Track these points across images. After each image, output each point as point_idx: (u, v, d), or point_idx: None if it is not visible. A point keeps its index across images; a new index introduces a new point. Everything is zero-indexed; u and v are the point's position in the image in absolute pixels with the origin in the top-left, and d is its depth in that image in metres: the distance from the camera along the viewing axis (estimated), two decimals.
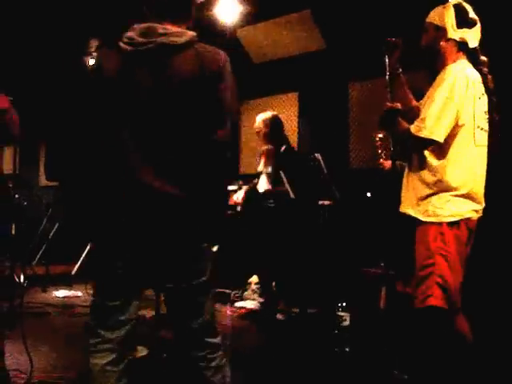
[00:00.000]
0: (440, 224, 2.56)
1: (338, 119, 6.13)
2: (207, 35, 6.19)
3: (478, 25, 2.68)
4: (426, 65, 2.81)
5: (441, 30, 2.67)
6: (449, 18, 2.64)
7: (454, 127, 2.54)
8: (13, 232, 5.27)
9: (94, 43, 7.33)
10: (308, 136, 6.52)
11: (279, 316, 4.83)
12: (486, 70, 2.70)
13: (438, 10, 2.70)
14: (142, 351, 3.64)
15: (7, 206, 2.66)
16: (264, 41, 6.56)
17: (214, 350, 1.97)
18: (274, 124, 5.05)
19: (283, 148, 4.90)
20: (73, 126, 1.94)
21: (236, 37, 6.61)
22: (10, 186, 4.60)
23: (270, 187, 4.90)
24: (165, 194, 1.83)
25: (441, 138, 2.52)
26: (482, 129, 2.63)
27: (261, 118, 5.06)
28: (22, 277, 5.68)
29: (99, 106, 1.89)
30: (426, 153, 2.62)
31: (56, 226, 7.01)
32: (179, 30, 1.90)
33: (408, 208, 2.70)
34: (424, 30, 2.76)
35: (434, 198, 2.58)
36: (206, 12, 6.03)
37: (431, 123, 2.52)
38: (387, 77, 2.91)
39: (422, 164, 2.64)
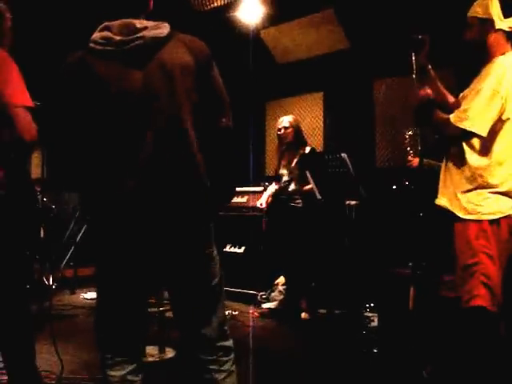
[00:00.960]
0: (480, 221, 2.51)
1: (363, 118, 6.08)
2: (231, 36, 6.22)
3: None
4: (470, 59, 2.73)
5: (487, 22, 2.59)
6: (494, 9, 2.57)
7: (497, 122, 2.49)
8: (41, 235, 5.34)
9: None
10: (334, 136, 6.49)
11: (303, 316, 4.81)
12: None
13: (481, 2, 2.62)
14: (169, 353, 3.66)
15: (35, 209, 2.66)
16: (287, 41, 6.54)
17: (226, 353, 1.93)
18: (299, 126, 5.12)
19: (308, 150, 4.90)
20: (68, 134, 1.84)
21: (260, 38, 6.61)
22: (38, 190, 4.66)
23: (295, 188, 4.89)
24: (171, 191, 1.76)
25: (483, 132, 2.47)
26: None
27: (288, 118, 5.08)
28: (50, 279, 5.74)
29: (91, 110, 1.78)
30: (466, 147, 2.56)
31: (83, 229, 7.07)
32: (156, 22, 1.83)
33: (445, 201, 2.65)
34: (468, 25, 2.67)
35: (471, 194, 2.53)
36: (229, 14, 6.05)
37: (474, 115, 2.47)
38: (414, 75, 2.87)
39: (462, 159, 2.59)
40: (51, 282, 5.71)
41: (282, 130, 5.01)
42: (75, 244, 6.93)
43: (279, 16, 6.17)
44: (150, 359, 3.51)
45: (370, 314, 4.37)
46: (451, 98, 2.88)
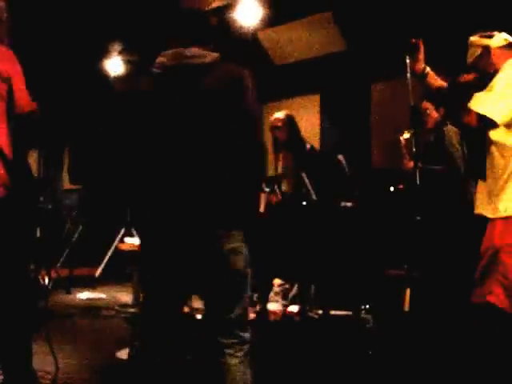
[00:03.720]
0: (507, 219, 2.52)
1: (359, 120, 6.09)
2: (229, 38, 6.23)
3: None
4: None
5: (483, 53, 2.71)
6: (477, 40, 2.73)
7: None
8: (37, 235, 5.34)
9: (115, 47, 7.40)
10: (330, 137, 6.50)
11: (298, 317, 4.81)
12: None
13: (470, 50, 2.77)
14: None
15: (33, 209, 2.68)
16: (285, 43, 6.56)
17: (241, 342, 2.07)
18: (294, 121, 4.81)
19: (308, 147, 4.72)
20: (105, 138, 2.15)
21: (257, 39, 6.62)
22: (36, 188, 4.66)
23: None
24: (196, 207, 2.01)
25: (498, 119, 2.51)
26: None
27: (280, 115, 4.76)
28: (46, 279, 5.74)
29: (133, 122, 2.15)
30: (494, 150, 2.61)
31: (79, 229, 7.08)
32: (203, 51, 2.09)
33: (480, 209, 2.69)
34: (477, 71, 2.77)
35: (504, 194, 2.55)
36: (226, 15, 6.05)
37: (488, 102, 2.53)
38: (408, 77, 2.89)
39: (492, 162, 2.63)
40: (47, 282, 5.72)
41: (276, 131, 4.74)
42: (71, 244, 6.95)
43: (276, 17, 6.18)
44: None
45: (366, 316, 4.38)
46: None
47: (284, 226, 4.88)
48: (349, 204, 4.41)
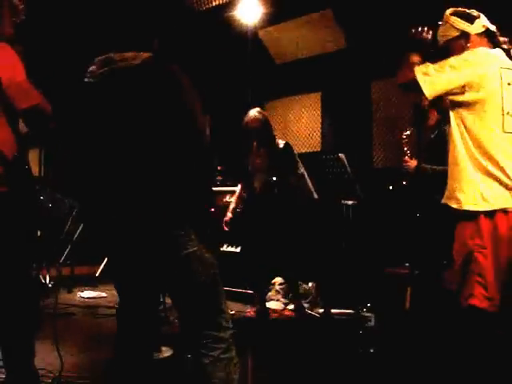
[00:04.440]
0: (476, 219, 2.51)
1: (361, 118, 6.09)
2: (229, 36, 6.21)
3: (479, 13, 2.70)
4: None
5: (460, 37, 2.67)
6: (458, 22, 2.67)
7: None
8: (38, 234, 5.33)
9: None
10: (331, 136, 6.50)
11: (296, 315, 4.81)
12: (509, 45, 2.69)
13: (443, 27, 2.72)
14: (166, 352, 3.66)
15: (36, 208, 2.68)
16: (286, 41, 6.55)
17: (214, 341, 2.08)
18: (268, 120, 4.72)
19: (282, 144, 4.62)
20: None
21: (258, 37, 6.61)
22: (36, 187, 4.66)
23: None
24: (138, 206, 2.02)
25: (427, 93, 2.54)
26: (511, 115, 2.55)
27: (256, 110, 4.66)
28: (47, 278, 5.74)
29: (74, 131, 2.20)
30: (455, 135, 2.60)
31: (80, 228, 7.06)
32: (134, 54, 2.09)
33: (446, 198, 2.68)
34: (447, 50, 2.72)
35: (464, 184, 2.55)
36: (227, 13, 6.05)
37: (430, 74, 2.54)
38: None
39: (453, 148, 2.63)
40: (48, 281, 5.72)
41: (250, 128, 4.59)
42: (72, 242, 6.94)
43: (278, 16, 6.18)
44: None
45: (367, 314, 4.38)
46: None
47: (285, 224, 4.87)
48: (350, 202, 4.41)
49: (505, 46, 2.67)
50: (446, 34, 2.72)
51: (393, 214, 4.84)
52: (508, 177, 2.51)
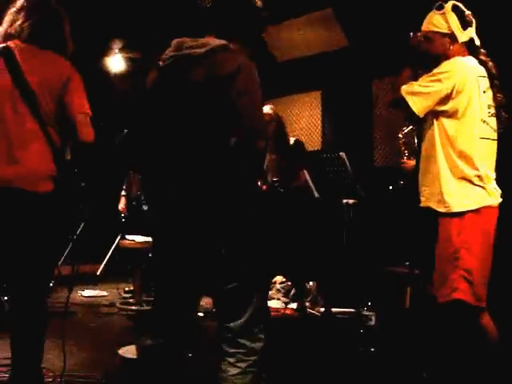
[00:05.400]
0: (462, 216, 2.56)
1: (361, 117, 6.08)
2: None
3: (474, 20, 2.70)
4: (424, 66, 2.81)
5: (448, 36, 2.68)
6: (454, 23, 2.66)
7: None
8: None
9: (116, 44, 7.40)
10: (332, 134, 6.49)
11: (298, 314, 4.82)
12: (486, 58, 2.71)
13: (438, 16, 2.70)
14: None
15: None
16: (287, 40, 6.54)
17: (246, 353, 2.01)
18: (282, 120, 4.73)
19: (293, 141, 4.64)
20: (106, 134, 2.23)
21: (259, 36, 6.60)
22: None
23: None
24: (187, 196, 1.98)
25: (418, 111, 2.61)
26: (486, 122, 2.63)
27: (269, 107, 4.60)
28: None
29: (143, 112, 2.18)
30: (438, 144, 2.65)
31: (82, 226, 7.06)
32: (206, 40, 2.05)
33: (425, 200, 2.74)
34: (427, 39, 2.74)
35: (449, 188, 2.60)
36: None
37: (416, 94, 2.61)
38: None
39: (432, 153, 2.69)
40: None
41: (267, 117, 4.43)
42: (73, 241, 6.93)
43: (278, 15, 6.17)
44: None
45: (368, 313, 4.38)
46: None
47: (285, 223, 4.87)
48: (350, 201, 4.40)
49: (482, 58, 2.71)
50: (436, 24, 2.71)
51: (393, 212, 4.84)
52: (482, 180, 2.58)
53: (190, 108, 1.99)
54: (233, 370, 1.98)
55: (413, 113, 2.63)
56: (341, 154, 4.31)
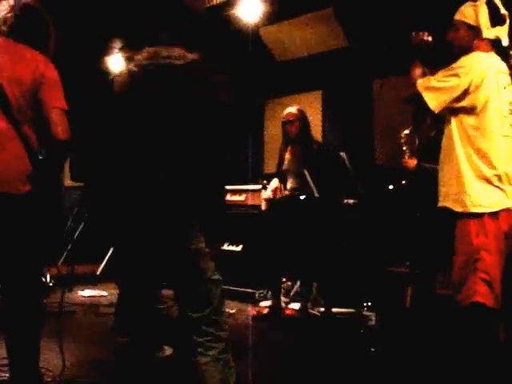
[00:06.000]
0: (480, 217, 2.53)
1: (361, 116, 6.08)
2: (230, 34, 6.20)
3: (508, 20, 2.64)
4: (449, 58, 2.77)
5: (474, 30, 2.64)
6: (483, 18, 2.61)
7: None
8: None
9: (116, 44, 7.39)
10: (332, 134, 6.49)
11: (299, 314, 4.81)
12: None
13: (470, 7, 2.65)
14: (167, 351, 3.65)
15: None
16: (286, 39, 6.54)
17: (214, 340, 2.08)
18: (306, 119, 4.81)
19: (315, 147, 4.74)
20: (98, 132, 2.19)
21: (258, 36, 6.60)
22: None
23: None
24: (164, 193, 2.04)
25: (434, 107, 2.58)
26: (506, 119, 2.58)
27: (293, 110, 4.76)
28: (48, 276, 5.74)
29: (117, 117, 2.18)
30: (457, 142, 2.62)
31: (81, 226, 7.06)
32: (181, 52, 2.12)
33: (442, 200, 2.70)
34: (454, 27, 2.70)
35: (468, 187, 2.57)
36: (228, 11, 6.04)
37: (431, 89, 2.59)
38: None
39: (451, 152, 2.66)
40: (48, 279, 5.71)
41: (287, 125, 4.72)
42: (72, 241, 6.93)
43: (278, 14, 6.17)
44: None
45: (368, 313, 4.38)
46: None
47: (286, 223, 4.87)
48: (351, 201, 4.40)
49: (510, 61, 2.67)
50: (466, 15, 2.67)
51: (394, 212, 4.83)
52: (501, 181, 2.55)
53: (167, 117, 2.06)
54: (204, 359, 2.07)
55: (429, 109, 2.59)
56: (341, 153, 4.31)
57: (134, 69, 2.15)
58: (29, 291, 2.53)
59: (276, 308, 4.78)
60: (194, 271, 2.09)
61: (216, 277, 2.14)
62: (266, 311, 4.85)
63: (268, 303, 5.08)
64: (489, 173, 2.54)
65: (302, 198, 4.54)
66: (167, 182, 2.03)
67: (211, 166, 2.13)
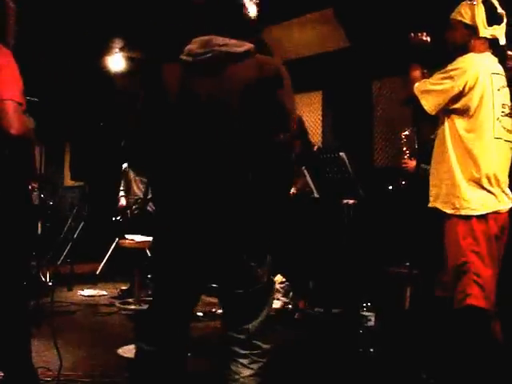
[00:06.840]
0: (468, 219, 2.54)
1: (362, 117, 6.08)
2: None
3: (505, 20, 2.64)
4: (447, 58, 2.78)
5: (471, 28, 2.64)
6: (480, 16, 2.61)
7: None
8: (39, 231, 5.34)
9: (117, 44, 7.39)
10: (332, 135, 6.48)
11: (298, 315, 4.81)
12: (510, 60, 2.69)
13: (466, 6, 2.65)
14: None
15: (26, 209, 2.58)
16: (287, 40, 6.53)
17: (260, 355, 1.99)
18: (303, 123, 4.89)
19: (316, 148, 4.76)
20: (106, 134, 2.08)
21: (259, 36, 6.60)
22: (36, 186, 4.66)
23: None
24: (220, 200, 1.89)
25: (430, 110, 2.60)
26: (499, 121, 2.58)
27: None
28: (47, 276, 5.75)
29: (162, 115, 2.01)
30: (449, 143, 2.63)
31: (81, 226, 7.08)
32: (236, 41, 1.98)
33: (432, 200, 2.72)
34: (451, 26, 2.71)
35: (457, 190, 2.58)
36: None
37: (427, 91, 2.61)
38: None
39: (443, 153, 2.67)
40: (48, 279, 5.72)
41: None
42: (72, 240, 6.95)
43: (278, 15, 6.16)
44: None
45: (367, 314, 4.37)
46: None
47: (286, 223, 4.87)
48: (351, 202, 4.40)
49: (509, 63, 2.68)
50: (462, 13, 2.67)
51: (393, 213, 4.83)
52: (491, 183, 2.55)
53: (231, 105, 1.92)
54: (246, 372, 1.95)
55: (425, 111, 2.61)
56: (341, 154, 4.30)
57: (189, 59, 1.98)
58: (11, 291, 2.48)
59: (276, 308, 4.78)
60: (253, 282, 1.96)
61: (270, 286, 2.07)
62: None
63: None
64: (479, 175, 2.54)
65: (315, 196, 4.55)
66: (216, 193, 1.89)
67: (268, 176, 1.97)
